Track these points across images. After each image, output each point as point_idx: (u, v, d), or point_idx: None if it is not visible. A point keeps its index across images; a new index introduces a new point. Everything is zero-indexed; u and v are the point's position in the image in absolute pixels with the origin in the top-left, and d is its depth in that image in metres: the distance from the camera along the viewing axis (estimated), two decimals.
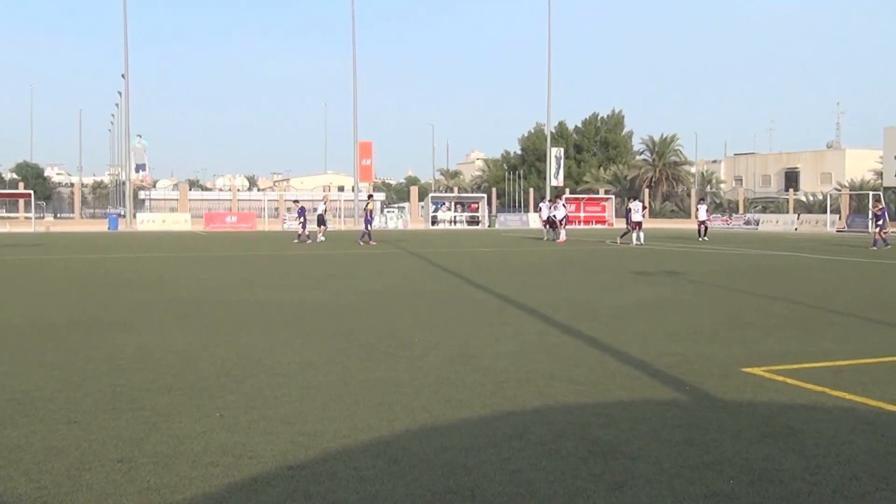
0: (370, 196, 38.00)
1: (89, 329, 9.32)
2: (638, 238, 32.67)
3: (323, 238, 36.18)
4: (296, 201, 38.32)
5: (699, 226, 37.94)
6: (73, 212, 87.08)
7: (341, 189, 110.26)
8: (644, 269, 19.37)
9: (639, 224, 33.11)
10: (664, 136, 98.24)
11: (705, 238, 36.72)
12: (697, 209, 40.30)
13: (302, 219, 36.40)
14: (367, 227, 32.94)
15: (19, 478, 4.22)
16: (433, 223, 64.67)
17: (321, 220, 37.05)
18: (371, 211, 33.64)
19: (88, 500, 3.94)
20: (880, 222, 31.06)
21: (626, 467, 4.39)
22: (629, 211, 34.21)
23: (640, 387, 6.35)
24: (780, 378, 6.69)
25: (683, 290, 14.33)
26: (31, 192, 62.76)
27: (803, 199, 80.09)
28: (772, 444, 4.83)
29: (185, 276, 17.34)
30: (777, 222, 60.15)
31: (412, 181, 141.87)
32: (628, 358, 7.55)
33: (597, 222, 67.44)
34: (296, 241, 35.19)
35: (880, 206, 32.17)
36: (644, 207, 35.30)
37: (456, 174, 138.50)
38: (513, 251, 28.60)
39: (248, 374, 6.76)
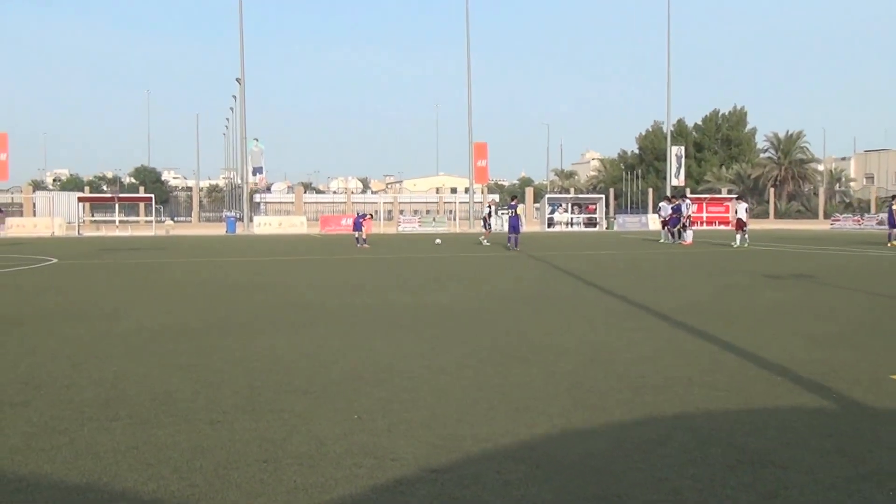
0: (514, 197, 36.04)
1: (220, 332, 9.64)
2: (744, 240, 32.40)
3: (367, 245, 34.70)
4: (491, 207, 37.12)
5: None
6: (189, 215, 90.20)
7: (454, 191, 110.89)
8: (775, 271, 18.88)
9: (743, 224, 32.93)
10: (789, 133, 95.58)
11: None
12: (893, 207, 33.18)
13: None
14: (513, 233, 31.39)
15: (170, 475, 4.42)
16: (549, 225, 64.38)
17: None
18: (519, 216, 32.25)
19: (238, 498, 4.10)
20: None
21: (776, 477, 4.32)
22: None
23: (783, 394, 6.22)
24: None
25: (819, 293, 13.92)
26: (152, 196, 65.28)
27: None
28: None
29: (306, 279, 17.75)
30: None
31: (526, 182, 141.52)
32: (768, 364, 7.39)
33: (720, 223, 66.04)
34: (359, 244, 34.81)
35: None
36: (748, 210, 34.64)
37: (571, 175, 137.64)
38: (636, 253, 28.26)
39: (380, 378, 6.89)
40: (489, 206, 37.95)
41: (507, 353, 8.08)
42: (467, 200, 71.97)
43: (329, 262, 23.96)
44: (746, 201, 37.33)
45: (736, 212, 33.91)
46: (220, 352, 8.22)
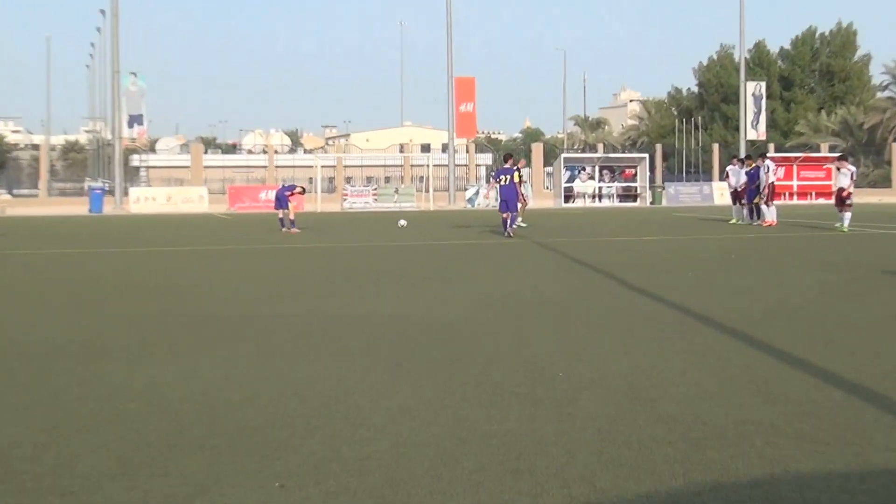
0: (508, 156, 33.48)
1: (79, 357, 9.56)
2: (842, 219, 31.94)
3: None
4: None
5: None
6: (36, 186, 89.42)
7: (426, 148, 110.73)
8: None
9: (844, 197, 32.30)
10: None
11: None
12: None
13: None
14: (508, 212, 30.74)
15: None
16: (567, 199, 64.47)
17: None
18: (515, 185, 31.04)
19: None
20: None
21: None
22: None
23: None
24: None
25: None
26: None
27: None
28: None
29: (209, 279, 17.68)
30: None
31: (532, 136, 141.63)
32: (890, 402, 7.39)
33: (818, 195, 66.11)
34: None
35: None
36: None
37: (599, 124, 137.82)
38: (693, 240, 28.29)
39: (315, 423, 6.84)
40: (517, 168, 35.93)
41: (503, 385, 8.05)
42: (446, 162, 71.76)
43: (242, 255, 23.88)
44: (854, 163, 36.93)
45: (838, 179, 33.61)
46: (79, 387, 8.14)
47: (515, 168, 31.83)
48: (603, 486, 5.44)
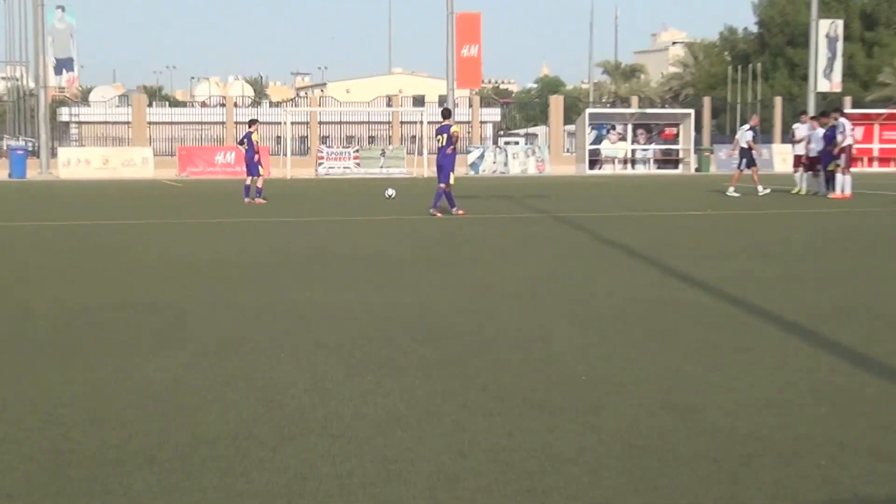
0: (447, 113, 31.59)
1: (5, 353, 9.65)
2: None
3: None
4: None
5: None
6: None
7: (419, 102, 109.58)
8: None
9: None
10: None
11: None
12: None
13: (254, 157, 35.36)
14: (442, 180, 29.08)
15: None
16: (592, 164, 64.20)
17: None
18: (456, 151, 29.70)
19: None
20: None
21: None
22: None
23: None
24: None
25: None
26: None
27: None
28: None
29: (156, 261, 17.73)
30: None
31: (551, 86, 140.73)
32: None
33: None
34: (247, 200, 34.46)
35: None
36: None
37: (633, 72, 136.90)
38: (750, 216, 28.14)
39: (286, 433, 6.89)
40: (751, 128, 37.61)
41: (512, 390, 8.10)
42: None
43: (195, 230, 23.81)
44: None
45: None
46: (6, 386, 8.17)
47: (450, 127, 29.11)
48: None
